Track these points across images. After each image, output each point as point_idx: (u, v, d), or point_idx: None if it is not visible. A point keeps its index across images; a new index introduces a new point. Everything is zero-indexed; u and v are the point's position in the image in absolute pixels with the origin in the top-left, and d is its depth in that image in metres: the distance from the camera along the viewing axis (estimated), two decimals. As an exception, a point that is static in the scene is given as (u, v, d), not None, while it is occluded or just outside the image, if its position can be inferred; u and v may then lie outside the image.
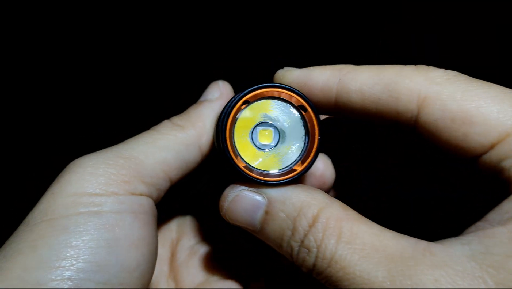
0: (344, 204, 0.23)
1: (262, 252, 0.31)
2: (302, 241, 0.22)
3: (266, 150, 0.25)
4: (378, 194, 0.32)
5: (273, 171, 0.25)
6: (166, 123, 0.28)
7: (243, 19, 0.67)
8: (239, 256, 0.32)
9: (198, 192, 0.35)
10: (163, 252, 0.32)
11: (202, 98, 0.31)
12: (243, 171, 0.24)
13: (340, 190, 0.32)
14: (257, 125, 0.25)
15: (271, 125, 0.25)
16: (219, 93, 0.30)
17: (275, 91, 0.25)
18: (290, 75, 0.27)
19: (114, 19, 0.67)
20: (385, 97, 0.24)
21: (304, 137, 0.25)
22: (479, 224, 0.21)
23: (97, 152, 0.25)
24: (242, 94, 0.24)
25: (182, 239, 0.33)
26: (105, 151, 0.25)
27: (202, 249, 0.32)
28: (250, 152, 0.25)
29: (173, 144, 0.27)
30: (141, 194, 0.25)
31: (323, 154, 0.28)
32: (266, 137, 0.25)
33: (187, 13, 0.67)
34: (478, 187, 0.26)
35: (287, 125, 0.25)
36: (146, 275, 0.24)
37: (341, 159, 0.31)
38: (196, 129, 0.28)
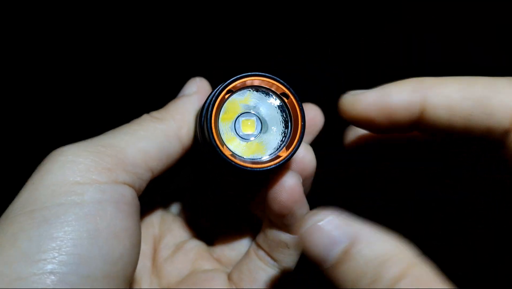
0: (433, 267, 0.20)
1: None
2: None
3: (250, 139, 0.25)
4: (378, 196, 0.32)
5: (258, 157, 0.25)
6: (145, 117, 0.28)
7: (243, 18, 0.67)
8: (226, 250, 0.32)
9: (180, 187, 0.35)
10: (145, 248, 0.31)
11: (180, 94, 0.31)
12: (229, 158, 0.24)
13: (341, 193, 0.32)
14: (239, 115, 0.25)
15: (253, 115, 0.26)
16: (196, 88, 0.31)
17: (256, 79, 0.25)
18: (364, 99, 0.25)
19: (113, 19, 0.67)
20: (477, 113, 0.22)
21: (287, 123, 0.25)
22: None
23: (77, 142, 0.25)
24: (226, 83, 0.24)
25: (166, 236, 0.33)
26: (85, 141, 0.25)
27: (188, 245, 0.32)
28: (234, 143, 0.25)
29: (152, 134, 0.26)
30: (123, 183, 0.24)
31: (304, 142, 0.28)
32: (249, 127, 0.25)
33: (186, 13, 0.67)
34: (479, 189, 0.26)
35: (268, 114, 0.26)
36: (129, 267, 0.24)
37: (341, 162, 0.31)
38: (175, 121, 0.28)
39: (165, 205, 0.34)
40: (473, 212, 0.29)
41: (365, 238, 0.20)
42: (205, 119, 0.24)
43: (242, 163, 0.24)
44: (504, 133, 0.22)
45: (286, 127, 0.25)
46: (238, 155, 0.25)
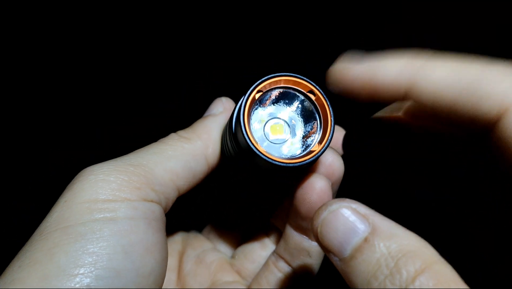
0: (453, 268, 0.19)
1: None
2: (407, 285, 0.18)
3: (280, 144, 0.26)
4: (377, 195, 0.32)
5: (292, 154, 0.25)
6: (172, 136, 0.29)
7: (242, 19, 0.67)
8: (245, 263, 0.33)
9: (202, 203, 0.36)
10: (171, 262, 0.32)
11: (206, 114, 0.31)
12: (265, 155, 0.24)
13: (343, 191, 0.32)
14: (267, 121, 0.26)
15: (280, 119, 0.26)
16: (222, 108, 0.31)
17: (282, 79, 0.25)
18: (351, 71, 0.24)
19: (113, 20, 0.67)
20: (463, 99, 0.21)
21: (316, 120, 0.26)
22: None
23: (106, 161, 0.25)
24: (255, 84, 0.25)
25: (188, 250, 0.33)
26: (114, 160, 0.26)
27: (209, 258, 0.33)
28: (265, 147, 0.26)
29: (180, 154, 0.27)
30: (152, 201, 0.25)
31: (331, 148, 0.28)
32: (278, 131, 0.26)
33: (186, 14, 0.67)
34: (479, 189, 0.26)
35: (296, 115, 0.26)
36: (160, 280, 0.24)
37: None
38: (202, 140, 0.28)
39: (188, 221, 0.35)
40: (473, 212, 0.29)
41: (387, 229, 0.20)
42: (237, 121, 0.25)
43: (278, 159, 0.24)
44: (491, 124, 0.21)
45: (314, 123, 0.26)
46: (273, 154, 0.25)
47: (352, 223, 0.20)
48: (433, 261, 0.19)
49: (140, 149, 0.27)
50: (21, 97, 0.67)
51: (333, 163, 0.27)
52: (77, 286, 0.20)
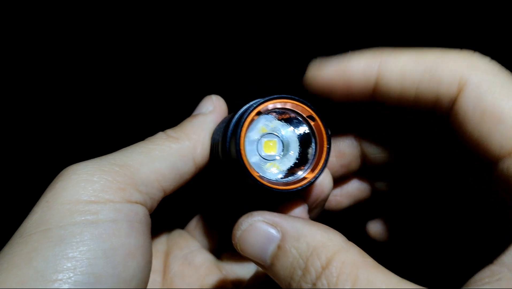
0: (361, 250, 0.21)
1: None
2: (314, 284, 0.20)
3: (270, 160, 0.25)
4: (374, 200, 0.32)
5: (283, 179, 0.25)
6: (160, 135, 0.28)
7: (242, 20, 0.66)
8: (234, 267, 0.32)
9: (186, 200, 0.35)
10: (155, 264, 0.31)
11: (195, 112, 0.31)
12: (258, 180, 0.23)
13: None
14: (262, 136, 0.25)
15: (275, 136, 0.25)
16: (212, 106, 0.30)
17: (283, 102, 0.25)
18: (326, 69, 0.26)
19: (113, 22, 0.67)
20: (426, 80, 0.23)
21: (312, 146, 0.25)
22: (494, 268, 0.19)
23: (91, 160, 0.25)
24: (256, 105, 0.24)
25: (174, 250, 0.33)
26: (99, 159, 0.25)
27: (197, 259, 0.32)
28: (256, 163, 0.25)
29: (167, 154, 0.26)
30: (136, 202, 0.24)
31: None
32: (271, 148, 0.25)
33: (186, 16, 0.67)
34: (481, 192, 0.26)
35: (291, 136, 0.26)
36: (142, 285, 0.24)
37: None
38: (190, 141, 0.28)
39: (172, 221, 0.34)
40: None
41: (294, 231, 0.21)
42: (233, 140, 0.24)
43: (270, 185, 0.24)
44: (451, 103, 0.22)
45: (308, 149, 0.25)
46: (264, 176, 0.25)
47: (265, 234, 0.22)
48: (336, 251, 0.20)
49: (126, 148, 0.27)
50: (18, 104, 0.67)
51: (323, 181, 0.28)
52: None
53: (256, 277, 0.31)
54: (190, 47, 0.66)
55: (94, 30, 0.65)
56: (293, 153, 0.26)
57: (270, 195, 0.25)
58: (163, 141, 0.27)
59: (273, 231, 0.22)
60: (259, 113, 0.24)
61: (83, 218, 0.22)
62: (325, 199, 0.28)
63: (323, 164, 0.25)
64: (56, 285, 0.20)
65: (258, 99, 0.25)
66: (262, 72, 0.61)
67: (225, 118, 0.30)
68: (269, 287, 0.29)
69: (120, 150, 0.26)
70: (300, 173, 0.25)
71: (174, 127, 0.29)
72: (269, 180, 0.24)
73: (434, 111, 0.24)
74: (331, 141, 0.25)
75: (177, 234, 0.34)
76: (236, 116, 0.25)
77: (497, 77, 0.22)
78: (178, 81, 0.64)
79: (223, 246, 0.34)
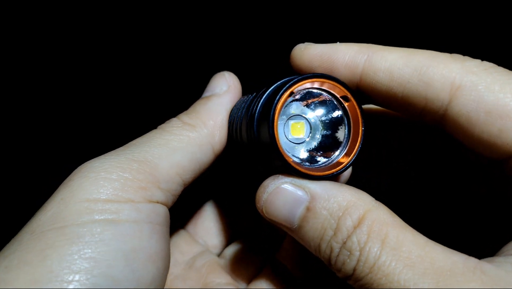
0: (390, 210, 0.21)
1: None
2: (345, 243, 0.20)
3: (298, 144, 0.24)
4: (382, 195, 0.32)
5: (316, 164, 0.24)
6: (175, 122, 0.26)
7: (243, 17, 0.66)
8: (238, 264, 0.32)
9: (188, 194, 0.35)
10: None
11: (208, 92, 0.29)
12: (293, 166, 0.22)
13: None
14: (289, 118, 0.24)
15: (302, 118, 0.24)
16: (227, 86, 0.29)
17: (317, 81, 0.23)
18: (311, 49, 0.25)
19: (114, 19, 0.67)
20: (415, 81, 0.22)
21: (344, 128, 0.24)
22: None
23: (107, 154, 0.23)
24: (288, 85, 0.22)
25: (175, 254, 0.31)
26: (116, 154, 0.23)
27: (198, 261, 0.31)
28: (289, 145, 0.24)
29: (186, 145, 0.25)
30: (157, 202, 0.23)
31: None
32: (298, 130, 0.24)
33: (188, 11, 0.67)
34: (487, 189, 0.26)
35: (320, 118, 0.24)
36: None
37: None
38: (208, 128, 0.26)
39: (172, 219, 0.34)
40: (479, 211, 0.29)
41: (323, 192, 0.21)
42: (264, 123, 0.22)
43: (305, 171, 0.22)
44: (444, 107, 0.22)
45: (337, 132, 0.24)
46: (299, 159, 0.24)
47: (293, 195, 0.22)
48: (367, 210, 0.20)
49: (141, 139, 0.25)
50: (22, 100, 0.66)
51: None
52: None
53: (260, 277, 0.30)
54: (198, 30, 0.65)
55: (92, 25, 0.65)
56: (321, 136, 0.24)
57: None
58: (180, 130, 0.26)
59: (301, 193, 0.22)
60: (291, 94, 0.23)
61: (102, 217, 0.21)
62: (344, 182, 0.28)
63: (358, 147, 0.23)
64: (71, 286, 0.18)
65: (289, 77, 0.23)
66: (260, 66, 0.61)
67: (244, 97, 0.28)
68: (273, 287, 0.29)
69: (135, 142, 0.25)
70: (333, 157, 0.24)
71: (188, 112, 0.27)
72: (303, 166, 0.23)
73: (424, 113, 0.23)
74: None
75: (178, 235, 0.33)
76: (265, 95, 0.24)
77: (493, 76, 0.21)
78: (185, 62, 0.63)
79: (225, 240, 0.33)
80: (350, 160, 0.23)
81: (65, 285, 0.18)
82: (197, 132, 0.26)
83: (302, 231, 0.22)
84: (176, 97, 0.31)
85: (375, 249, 0.19)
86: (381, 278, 0.19)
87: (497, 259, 0.19)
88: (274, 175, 0.23)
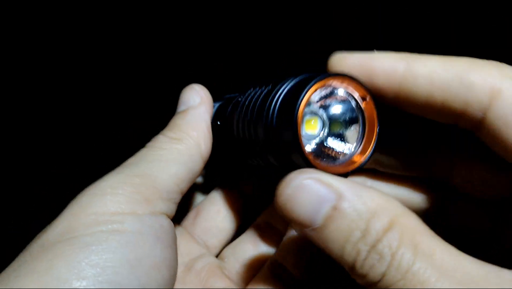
0: (419, 218, 0.21)
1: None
2: (374, 246, 0.19)
3: (310, 140, 0.24)
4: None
5: (331, 161, 0.23)
6: (162, 138, 0.28)
7: (239, 19, 0.66)
8: (238, 267, 0.31)
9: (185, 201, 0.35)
10: None
11: (183, 106, 0.30)
12: (312, 163, 0.22)
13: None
14: (307, 113, 0.24)
15: (315, 114, 0.24)
16: (199, 97, 0.30)
17: (336, 80, 0.23)
18: (350, 58, 0.25)
19: (113, 22, 0.67)
20: (455, 85, 0.22)
21: (358, 127, 0.24)
22: None
23: (109, 174, 0.25)
24: (314, 81, 0.22)
25: None
26: (117, 173, 0.25)
27: (198, 264, 0.31)
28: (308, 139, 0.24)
29: (178, 157, 0.26)
30: (161, 213, 0.24)
31: None
32: (312, 126, 0.24)
33: (185, 15, 0.67)
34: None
35: (333, 115, 0.24)
36: None
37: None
38: (193, 138, 0.28)
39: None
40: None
41: (352, 193, 0.20)
42: (286, 122, 0.22)
43: (324, 168, 0.22)
44: (483, 111, 0.22)
45: (349, 130, 0.24)
46: (317, 160, 0.23)
47: (318, 193, 0.21)
48: (398, 214, 0.20)
49: (134, 158, 0.26)
50: (19, 105, 0.66)
51: None
52: None
53: (262, 276, 0.30)
54: (195, 34, 0.65)
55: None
56: (333, 134, 0.24)
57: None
58: (168, 144, 0.27)
59: (327, 190, 0.21)
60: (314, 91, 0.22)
61: (109, 226, 0.21)
62: None
63: (373, 146, 0.23)
64: None
65: (310, 74, 0.23)
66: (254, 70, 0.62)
67: (245, 95, 0.28)
68: (273, 286, 0.29)
69: (130, 161, 0.26)
70: (347, 156, 0.24)
71: (170, 127, 0.29)
72: (321, 163, 0.23)
73: (462, 118, 0.23)
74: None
75: (177, 234, 0.33)
76: (285, 91, 0.23)
77: None
78: (180, 69, 0.63)
79: (224, 241, 0.34)
80: (365, 159, 0.23)
81: None
82: (185, 144, 0.27)
83: (326, 231, 0.20)
84: (167, 99, 0.32)
85: (408, 255, 0.18)
86: (416, 285, 0.18)
87: None
88: (299, 170, 0.21)
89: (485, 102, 0.22)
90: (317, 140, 0.24)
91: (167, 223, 0.25)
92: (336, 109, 0.24)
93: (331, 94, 0.24)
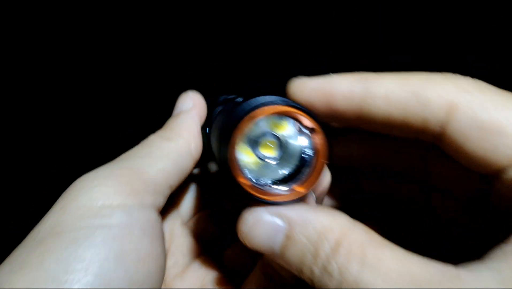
0: (367, 228, 0.22)
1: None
2: (325, 266, 0.21)
3: (268, 161, 0.24)
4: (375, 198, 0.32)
5: (275, 189, 0.24)
6: (154, 137, 0.29)
7: (240, 19, 0.66)
8: (236, 264, 0.32)
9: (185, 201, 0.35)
10: None
11: (176, 111, 0.32)
12: (246, 190, 0.23)
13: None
14: (263, 135, 0.24)
15: (277, 138, 0.24)
16: (191, 103, 0.31)
17: (283, 109, 0.23)
18: (308, 84, 0.25)
19: (113, 22, 0.67)
20: (413, 103, 0.23)
21: (310, 157, 0.24)
22: (504, 247, 0.20)
23: (99, 168, 0.25)
24: (250, 108, 0.22)
25: (175, 253, 0.32)
26: (107, 166, 0.25)
27: (197, 261, 0.32)
28: (250, 161, 0.24)
29: (167, 153, 0.27)
30: (149, 205, 0.25)
31: None
32: (269, 148, 0.24)
33: (184, 15, 0.67)
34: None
35: (293, 142, 0.24)
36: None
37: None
38: (183, 138, 0.28)
39: (172, 219, 0.34)
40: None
41: (300, 218, 0.22)
42: (224, 146, 0.23)
43: (258, 195, 0.23)
44: (441, 126, 0.23)
45: (304, 162, 0.24)
46: (255, 183, 0.23)
47: (271, 225, 0.23)
48: (344, 232, 0.21)
49: (126, 154, 0.27)
50: (19, 105, 0.66)
51: (323, 177, 0.27)
52: None
53: (256, 274, 0.30)
54: (194, 36, 0.65)
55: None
56: (290, 160, 0.24)
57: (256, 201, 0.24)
58: (159, 142, 0.28)
59: (279, 221, 0.23)
60: (252, 117, 0.22)
61: (96, 221, 0.22)
62: (323, 193, 0.28)
63: (316, 180, 0.23)
64: (67, 285, 0.20)
65: (259, 99, 0.23)
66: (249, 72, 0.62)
67: (230, 104, 0.28)
68: (271, 283, 0.29)
69: (121, 157, 0.27)
70: (291, 184, 0.24)
71: (162, 129, 0.30)
72: (258, 189, 0.23)
73: (422, 133, 0.24)
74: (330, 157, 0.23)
75: (178, 233, 0.33)
76: (233, 116, 0.23)
77: (485, 94, 0.22)
78: (179, 71, 0.63)
79: (222, 245, 0.34)
80: (305, 192, 0.23)
81: (61, 285, 0.20)
82: (175, 142, 0.28)
83: (284, 257, 0.23)
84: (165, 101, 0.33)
85: (355, 271, 0.20)
86: None
87: (474, 265, 0.20)
88: (251, 207, 0.24)
89: (442, 118, 0.22)
90: (275, 165, 0.24)
91: (155, 216, 0.25)
92: (293, 135, 0.24)
93: (282, 121, 0.24)
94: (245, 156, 0.24)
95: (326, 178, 0.28)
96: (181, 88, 0.33)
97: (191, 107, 0.31)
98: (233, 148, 0.22)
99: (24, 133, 0.65)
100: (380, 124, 0.24)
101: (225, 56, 0.65)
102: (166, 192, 0.27)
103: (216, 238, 0.34)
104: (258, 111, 0.22)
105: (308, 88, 0.25)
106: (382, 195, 0.31)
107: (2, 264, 0.22)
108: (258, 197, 0.23)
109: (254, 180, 0.24)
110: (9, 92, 0.66)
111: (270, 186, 0.24)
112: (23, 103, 0.66)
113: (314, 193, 0.27)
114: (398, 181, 0.30)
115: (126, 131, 0.63)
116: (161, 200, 0.26)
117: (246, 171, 0.23)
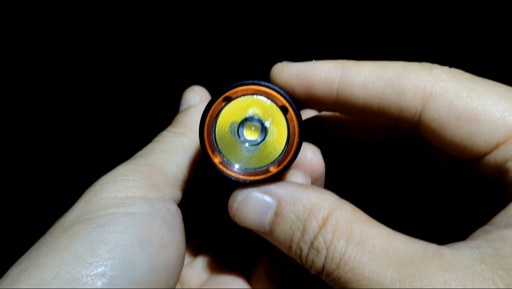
0: (354, 206, 0.22)
1: (259, 246, 0.31)
2: (312, 243, 0.22)
3: (251, 145, 0.25)
4: (371, 192, 0.32)
5: (250, 168, 0.24)
6: (167, 133, 0.29)
7: (240, 19, 0.66)
8: (239, 251, 0.32)
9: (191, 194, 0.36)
10: None
11: (184, 106, 0.32)
12: (217, 166, 0.24)
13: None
14: (245, 119, 0.25)
15: (258, 121, 0.25)
16: (198, 97, 0.32)
17: (256, 89, 0.24)
18: (289, 68, 0.26)
19: (114, 22, 0.67)
20: (388, 92, 0.23)
21: (285, 138, 0.24)
22: (486, 228, 0.21)
23: (119, 166, 0.26)
24: (222, 91, 0.24)
25: (187, 246, 0.33)
26: (128, 163, 0.26)
27: (198, 261, 0.32)
28: (233, 148, 0.25)
29: (182, 148, 0.28)
30: (168, 198, 0.26)
31: (311, 144, 0.28)
32: (252, 132, 0.25)
33: (185, 15, 0.67)
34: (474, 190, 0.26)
35: (272, 123, 0.24)
36: (172, 279, 0.24)
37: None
38: (195, 132, 0.29)
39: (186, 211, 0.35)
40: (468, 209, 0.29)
41: (289, 196, 0.23)
42: (200, 127, 0.24)
43: (228, 172, 0.24)
44: (417, 114, 0.23)
45: (284, 142, 0.24)
46: (230, 163, 0.24)
47: (261, 202, 0.23)
48: (332, 209, 0.22)
49: (143, 151, 0.28)
50: (20, 104, 0.66)
51: (312, 160, 0.28)
52: (92, 273, 0.21)
53: (258, 273, 0.30)
54: (194, 34, 0.65)
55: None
56: (277, 143, 0.25)
57: (231, 183, 0.24)
58: (173, 138, 0.29)
59: (268, 199, 0.23)
60: (228, 99, 0.24)
61: (120, 209, 0.23)
62: (319, 178, 0.29)
63: (290, 159, 0.24)
64: (92, 267, 0.21)
65: (236, 83, 0.24)
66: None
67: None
68: (274, 270, 0.29)
69: (139, 154, 0.28)
70: (269, 166, 0.24)
71: (173, 124, 0.30)
72: (232, 169, 0.24)
73: (399, 121, 0.24)
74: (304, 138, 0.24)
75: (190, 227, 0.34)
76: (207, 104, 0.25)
77: (460, 82, 0.22)
78: (180, 69, 0.63)
79: (229, 238, 0.34)
80: (278, 171, 0.24)
81: (87, 266, 0.21)
82: (188, 137, 0.29)
83: (273, 235, 0.23)
84: (167, 100, 0.33)
85: (340, 247, 0.21)
86: (347, 272, 0.20)
87: (457, 244, 0.20)
88: (241, 186, 0.24)
89: (418, 106, 0.23)
90: (258, 146, 0.25)
91: (175, 208, 0.26)
92: (272, 118, 0.24)
93: (268, 102, 0.24)
94: (224, 137, 0.24)
95: (316, 160, 0.28)
96: (181, 88, 0.33)
97: (198, 101, 0.32)
98: (205, 126, 0.23)
99: (24, 133, 0.65)
100: (357, 111, 0.25)
101: (225, 56, 0.65)
102: (183, 186, 0.27)
103: (220, 237, 0.34)
104: (231, 91, 0.23)
105: (289, 72, 0.26)
106: (379, 174, 0.32)
107: (28, 250, 0.22)
108: (227, 174, 0.23)
109: (225, 159, 0.24)
110: (9, 92, 0.66)
111: (246, 168, 0.24)
112: (23, 103, 0.66)
113: (310, 176, 0.27)
114: (393, 157, 0.31)
115: (126, 131, 0.63)
116: (179, 193, 0.27)
117: (222, 153, 0.24)
